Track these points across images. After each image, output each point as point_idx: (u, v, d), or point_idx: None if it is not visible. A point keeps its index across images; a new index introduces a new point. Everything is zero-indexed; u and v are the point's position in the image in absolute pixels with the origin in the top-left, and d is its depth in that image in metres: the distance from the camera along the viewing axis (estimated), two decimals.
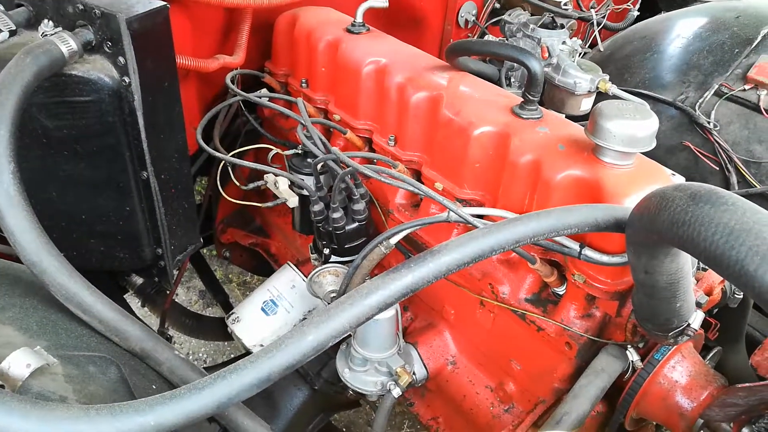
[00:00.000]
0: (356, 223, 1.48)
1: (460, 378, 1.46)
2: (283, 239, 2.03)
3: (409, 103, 1.43)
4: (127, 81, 1.12)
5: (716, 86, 1.92)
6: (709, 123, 1.89)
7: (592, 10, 2.26)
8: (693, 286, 1.12)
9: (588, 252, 1.10)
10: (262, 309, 1.65)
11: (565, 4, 1.91)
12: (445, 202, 1.16)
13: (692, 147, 1.91)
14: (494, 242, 0.88)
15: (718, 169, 1.88)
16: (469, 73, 1.49)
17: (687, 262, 0.96)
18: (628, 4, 2.39)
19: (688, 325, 1.08)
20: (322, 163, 1.41)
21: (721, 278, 1.30)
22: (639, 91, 2.06)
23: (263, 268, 2.33)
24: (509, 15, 1.73)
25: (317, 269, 1.49)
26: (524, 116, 1.28)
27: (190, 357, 3.05)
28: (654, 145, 1.12)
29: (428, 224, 1.28)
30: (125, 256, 1.33)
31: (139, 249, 1.31)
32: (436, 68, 1.48)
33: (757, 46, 1.93)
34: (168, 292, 2.01)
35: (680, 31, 2.14)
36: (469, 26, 2.11)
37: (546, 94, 1.65)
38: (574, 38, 1.68)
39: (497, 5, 2.10)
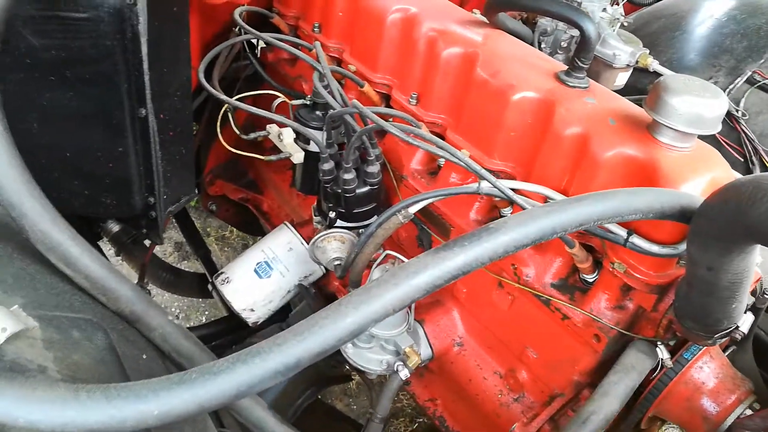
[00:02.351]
0: (368, 187, 1.36)
1: (466, 361, 1.37)
2: (277, 197, 1.89)
3: (440, 58, 1.29)
4: (132, 0, 0.96)
5: (749, 73, 1.83)
6: (737, 111, 1.80)
7: None
8: None
9: (636, 240, 1.00)
10: (255, 271, 1.52)
11: None
12: (482, 172, 1.04)
13: (717, 135, 1.82)
14: (557, 223, 0.77)
15: (742, 160, 1.79)
16: (506, 32, 1.36)
17: (755, 259, 0.87)
18: None
19: (737, 327, 0.99)
20: (335, 118, 1.27)
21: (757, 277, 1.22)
22: (662, 71, 1.96)
23: (250, 225, 2.20)
24: None
25: (322, 233, 1.37)
26: (571, 84, 1.16)
27: None
28: (719, 128, 1.02)
29: (454, 195, 1.17)
30: (112, 203, 1.18)
31: (128, 196, 1.16)
32: (471, 23, 1.34)
33: None
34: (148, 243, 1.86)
35: (713, 11, 2.03)
36: None
37: None
38: (615, 6, 1.55)
39: None
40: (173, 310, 2.92)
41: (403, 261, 1.20)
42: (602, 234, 1.03)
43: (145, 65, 1.02)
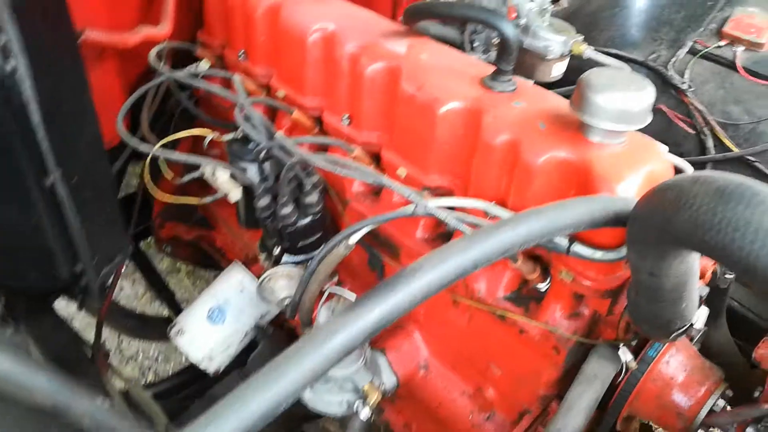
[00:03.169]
0: (310, 218, 1.30)
1: (433, 384, 1.32)
2: (229, 232, 1.83)
3: (364, 76, 1.24)
4: (11, 66, 0.89)
5: (690, 43, 1.80)
6: (683, 83, 1.76)
7: None
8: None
9: (578, 248, 0.96)
10: (208, 318, 1.46)
11: None
12: (409, 195, 0.99)
13: (665, 109, 1.79)
14: (478, 256, 0.72)
15: (693, 132, 1.76)
16: (431, 38, 1.31)
17: (697, 258, 0.83)
18: None
19: (692, 324, 0.95)
20: (265, 151, 1.22)
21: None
22: (608, 50, 1.92)
23: (212, 260, 2.14)
24: None
25: (267, 273, 1.32)
26: (497, 89, 1.11)
27: (140, 356, 2.85)
28: (650, 119, 0.97)
29: (390, 219, 1.12)
30: (37, 276, 1.12)
31: (52, 267, 1.10)
32: (393, 34, 1.29)
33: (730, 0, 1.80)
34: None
35: None
36: None
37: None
38: None
39: None
40: (151, 353, 2.85)
41: (347, 298, 1.15)
42: (544, 244, 0.99)
43: (41, 132, 0.95)
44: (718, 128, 1.71)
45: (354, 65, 1.26)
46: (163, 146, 1.35)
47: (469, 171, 1.13)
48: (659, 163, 1.00)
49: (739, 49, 1.71)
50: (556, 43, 1.40)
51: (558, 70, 1.47)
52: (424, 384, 1.33)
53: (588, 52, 1.41)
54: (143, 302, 3.08)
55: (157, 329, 2.12)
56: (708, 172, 0.69)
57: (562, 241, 0.97)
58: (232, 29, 1.53)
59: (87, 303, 1.23)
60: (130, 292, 3.17)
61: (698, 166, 1.75)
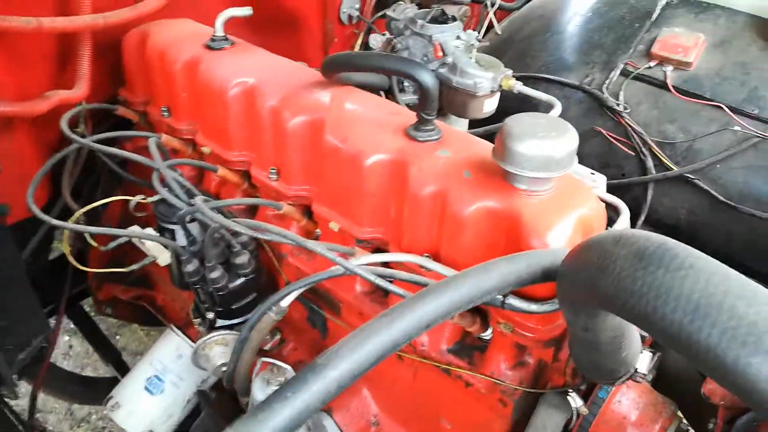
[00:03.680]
0: (242, 279, 1.24)
1: None
2: (168, 291, 1.75)
3: (287, 129, 1.20)
4: None
5: (621, 65, 1.81)
6: (618, 105, 1.77)
7: None
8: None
9: (512, 301, 0.92)
10: (146, 388, 1.38)
11: None
12: (333, 258, 0.94)
13: (604, 132, 1.79)
14: (397, 336, 0.68)
15: (633, 153, 1.76)
16: (354, 86, 1.27)
17: None
18: None
19: (636, 370, 0.92)
20: (185, 216, 1.16)
21: None
22: (543, 76, 1.92)
23: (154, 318, 2.05)
24: (393, 10, 1.52)
25: (202, 340, 1.25)
26: (421, 138, 1.08)
27: (93, 416, 2.72)
28: (575, 162, 0.95)
29: (320, 281, 1.07)
30: None
31: None
32: (315, 85, 1.25)
33: (657, 19, 1.82)
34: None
35: (577, 7, 2.01)
36: (354, 22, 1.88)
37: (444, 97, 1.46)
38: (469, 30, 1.49)
39: None
40: (105, 412, 2.72)
41: (281, 366, 1.09)
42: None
43: None
44: (656, 148, 1.72)
45: (276, 119, 1.22)
46: (90, 212, 1.28)
47: (401, 223, 1.09)
48: (590, 207, 0.97)
49: (669, 69, 1.73)
50: (485, 79, 1.38)
51: (490, 105, 1.45)
52: None
53: (518, 86, 1.40)
54: (95, 359, 2.95)
55: (103, 392, 2.02)
56: (630, 232, 0.65)
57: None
58: (153, 85, 1.48)
59: (4, 392, 1.14)
60: (80, 349, 3.04)
61: (640, 186, 1.76)
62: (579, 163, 1.85)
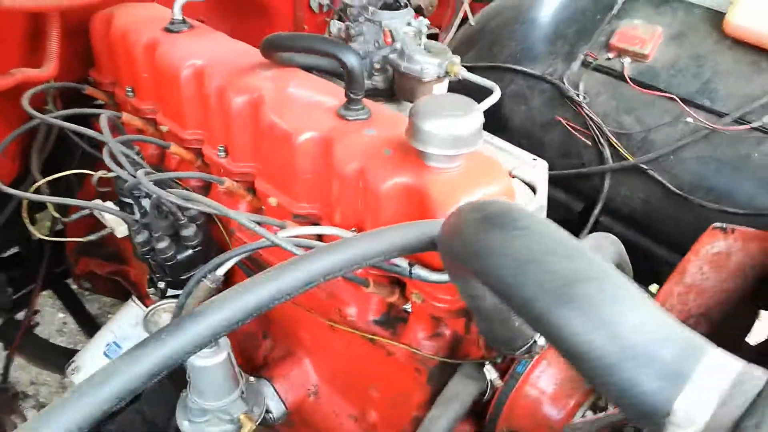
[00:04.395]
0: (189, 251, 1.31)
1: (323, 408, 1.33)
2: (139, 266, 1.82)
3: (231, 108, 1.25)
4: None
5: (582, 56, 1.84)
6: (578, 95, 1.80)
7: None
8: None
9: (418, 270, 0.98)
10: (105, 354, 1.46)
11: None
12: (256, 229, 1.00)
13: (563, 121, 1.82)
14: (270, 294, 0.73)
15: (591, 144, 1.80)
16: (302, 68, 1.32)
17: None
18: None
19: (535, 342, 0.97)
20: (132, 189, 1.23)
21: None
22: (509, 66, 1.96)
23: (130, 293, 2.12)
24: None
25: (151, 307, 1.32)
26: (350, 117, 1.13)
27: None
28: (480, 142, 0.99)
29: (252, 251, 1.13)
30: None
31: None
32: (260, 66, 1.30)
33: (618, 12, 1.85)
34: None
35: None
36: (325, 10, 1.94)
37: (396, 82, 1.51)
38: (420, 18, 1.53)
39: None
40: None
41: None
42: (388, 268, 1.00)
43: None
44: (613, 138, 1.75)
45: (221, 98, 1.28)
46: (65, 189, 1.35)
47: (331, 198, 1.15)
48: (498, 185, 1.02)
49: (626, 61, 1.76)
50: (431, 65, 1.42)
51: (439, 91, 1.49)
52: (314, 409, 1.33)
53: (462, 72, 1.44)
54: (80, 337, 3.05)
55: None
56: (487, 202, 0.70)
57: (404, 264, 0.98)
58: (118, 66, 1.54)
59: None
60: (74, 327, 3.14)
61: (598, 175, 1.79)
62: (542, 151, 1.90)
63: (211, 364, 1.13)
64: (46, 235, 1.46)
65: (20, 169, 1.57)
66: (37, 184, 1.31)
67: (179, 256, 1.30)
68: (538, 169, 1.38)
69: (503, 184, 1.03)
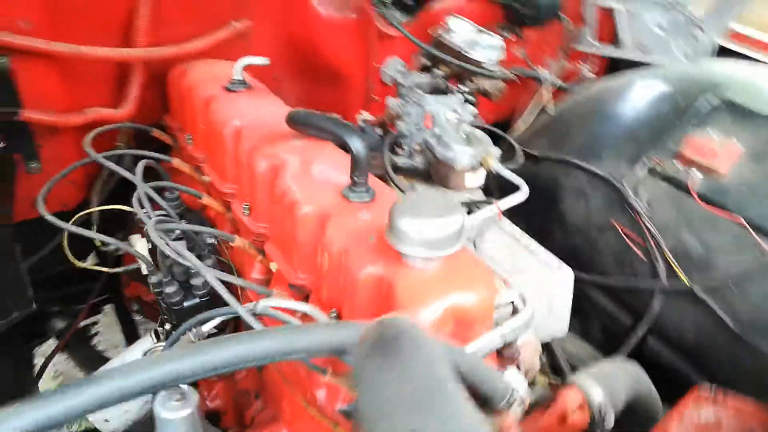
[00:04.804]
0: (197, 299, 1.35)
1: None
2: None
3: (256, 170, 1.30)
4: None
5: (648, 161, 1.72)
6: (638, 203, 1.68)
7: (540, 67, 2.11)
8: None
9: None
10: None
11: (492, 63, 1.77)
12: (227, 298, 1.02)
13: (620, 228, 1.71)
14: (156, 377, 0.71)
15: (645, 259, 1.66)
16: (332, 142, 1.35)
17: None
18: (581, 61, 2.21)
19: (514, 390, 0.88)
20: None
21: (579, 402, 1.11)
22: (572, 160, 1.88)
23: None
24: (404, 75, 1.59)
25: (151, 347, 1.37)
26: (352, 198, 1.13)
27: None
28: (461, 245, 0.95)
29: (227, 316, 1.15)
30: None
31: None
32: (294, 135, 1.35)
33: (696, 120, 1.72)
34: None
35: (626, 95, 1.95)
36: (391, 84, 1.97)
37: (432, 167, 1.50)
38: (468, 106, 1.52)
39: (426, 62, 1.97)
40: None
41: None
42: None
43: None
44: (670, 256, 1.61)
45: (250, 159, 1.33)
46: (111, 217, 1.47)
47: (321, 274, 1.14)
48: (475, 293, 0.96)
49: (695, 173, 1.62)
50: (465, 155, 1.40)
51: (473, 181, 1.46)
52: None
53: (496, 166, 1.40)
54: None
55: None
56: (393, 322, 0.66)
57: None
58: (184, 116, 1.66)
59: None
60: None
61: (648, 293, 1.64)
62: (596, 254, 1.78)
63: (176, 418, 1.15)
64: (83, 261, 1.57)
65: (85, 198, 1.72)
66: (76, 217, 1.42)
67: (185, 303, 1.34)
68: (557, 276, 1.30)
69: (483, 292, 0.97)
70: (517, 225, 2.06)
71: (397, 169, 1.55)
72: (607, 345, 1.82)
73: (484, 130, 1.92)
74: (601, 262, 1.77)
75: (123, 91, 1.70)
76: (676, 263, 1.59)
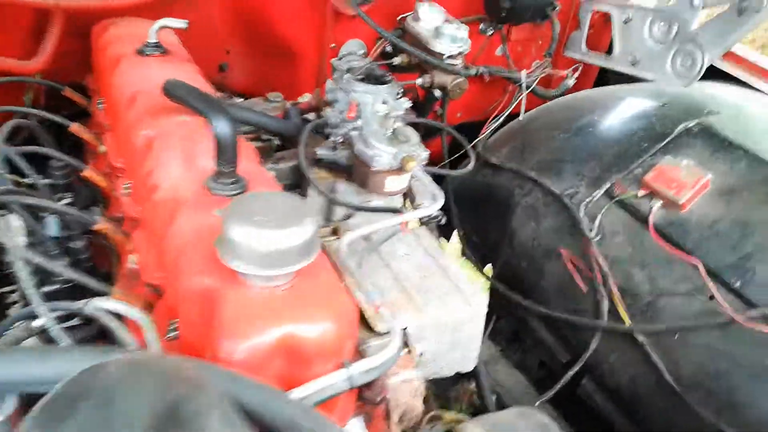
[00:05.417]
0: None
1: None
2: None
3: (134, 144, 1.14)
4: None
5: (608, 185, 1.53)
6: (591, 231, 1.50)
7: (523, 72, 1.92)
8: None
9: None
10: None
11: (452, 56, 1.58)
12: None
13: (564, 257, 1.52)
14: None
15: (589, 293, 1.47)
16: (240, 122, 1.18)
17: None
18: (569, 71, 2.00)
19: None
20: None
21: None
22: (527, 174, 1.70)
23: None
24: (340, 58, 1.41)
25: None
26: (214, 190, 0.96)
27: None
28: (305, 261, 0.78)
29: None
30: None
31: None
32: (184, 109, 1.17)
33: (668, 145, 1.52)
34: None
35: (600, 112, 1.75)
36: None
37: (352, 165, 1.32)
38: (403, 99, 1.33)
39: (388, 49, 1.78)
40: None
41: None
42: None
43: None
44: (615, 292, 1.43)
45: (131, 131, 1.16)
46: None
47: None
48: (317, 322, 0.79)
49: (656, 204, 1.43)
50: (385, 154, 1.22)
51: (394, 184, 1.28)
52: None
53: (416, 170, 1.22)
54: None
55: None
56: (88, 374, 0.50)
57: None
58: (98, 76, 1.50)
59: None
60: None
61: (588, 331, 1.46)
62: (540, 280, 1.60)
63: None
64: None
65: None
66: None
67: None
68: (469, 308, 1.13)
69: (329, 322, 0.79)
70: (470, 236, 1.90)
71: (318, 161, 1.38)
72: (545, 379, 1.65)
73: (434, 128, 1.75)
74: (545, 291, 1.60)
75: (39, 42, 1.54)
76: (621, 301, 1.41)
